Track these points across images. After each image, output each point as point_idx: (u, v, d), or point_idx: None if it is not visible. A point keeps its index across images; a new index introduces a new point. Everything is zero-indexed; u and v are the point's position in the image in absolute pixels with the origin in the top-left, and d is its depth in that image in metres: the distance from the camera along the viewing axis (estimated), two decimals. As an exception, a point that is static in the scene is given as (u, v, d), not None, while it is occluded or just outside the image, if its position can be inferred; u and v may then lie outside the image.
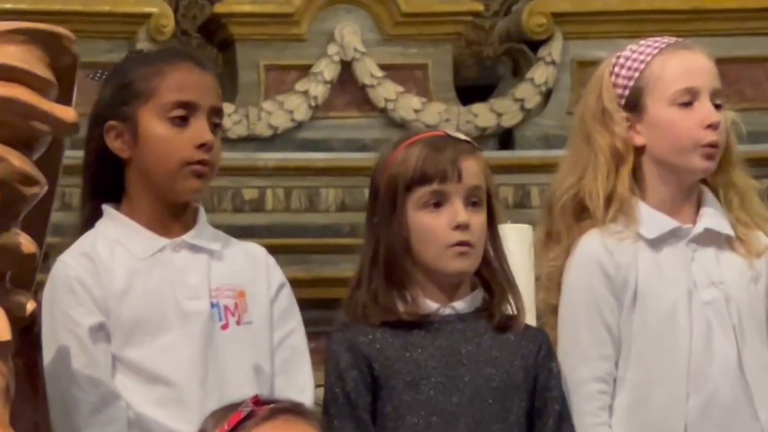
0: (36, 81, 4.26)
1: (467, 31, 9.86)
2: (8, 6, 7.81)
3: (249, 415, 3.51)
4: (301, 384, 4.54)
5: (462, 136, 5.07)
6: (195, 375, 4.52)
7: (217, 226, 4.87)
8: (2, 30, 4.35)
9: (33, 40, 4.37)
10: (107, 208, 4.62)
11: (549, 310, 4.96)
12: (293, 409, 3.62)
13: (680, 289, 4.71)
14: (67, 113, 4.21)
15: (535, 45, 9.62)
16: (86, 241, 4.65)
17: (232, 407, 3.64)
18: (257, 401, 3.62)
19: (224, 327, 4.55)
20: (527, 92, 9.29)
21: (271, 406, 3.65)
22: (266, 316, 4.65)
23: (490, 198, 4.69)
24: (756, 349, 4.77)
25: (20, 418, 4.27)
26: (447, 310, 4.56)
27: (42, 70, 4.24)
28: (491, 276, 4.68)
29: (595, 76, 5.00)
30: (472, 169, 4.63)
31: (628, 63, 4.90)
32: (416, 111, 8.94)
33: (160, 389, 4.50)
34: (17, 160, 4.11)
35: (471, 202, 4.57)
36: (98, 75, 4.88)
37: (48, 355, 4.56)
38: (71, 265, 4.57)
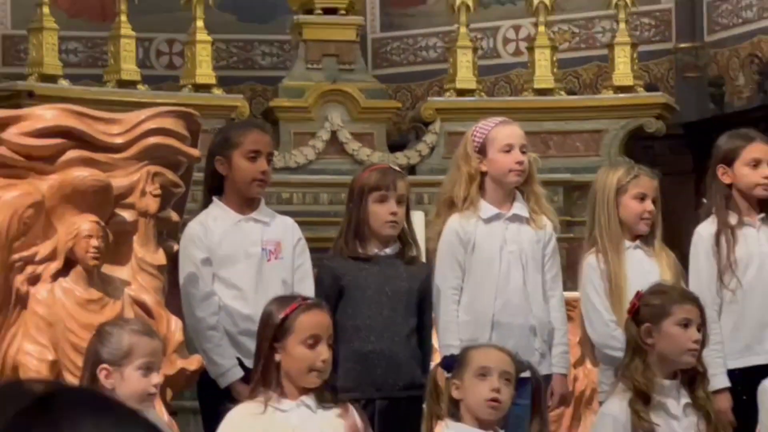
0: (181, 137, 6.43)
1: (393, 117, 12.80)
2: (161, 101, 9.75)
3: (299, 305, 5.23)
4: (307, 291, 6.26)
5: (396, 168, 7.27)
6: (252, 284, 6.54)
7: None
8: (164, 111, 6.62)
9: (179, 116, 6.58)
10: (215, 199, 6.72)
11: (433, 252, 6.78)
12: (318, 304, 5.43)
13: (496, 245, 6.53)
14: (195, 152, 6.58)
15: (427, 124, 12.40)
16: (201, 215, 6.77)
17: (290, 299, 5.52)
18: (304, 298, 5.45)
19: (268, 260, 6.59)
20: (422, 147, 12.11)
21: (308, 301, 5.45)
22: (290, 256, 6.67)
23: (407, 199, 6.64)
24: (532, 277, 6.48)
25: (171, 302, 6.38)
26: (382, 253, 6.50)
27: (183, 131, 6.51)
28: (404, 236, 6.58)
29: (465, 136, 6.88)
30: (400, 184, 6.54)
31: (480, 131, 6.68)
32: (368, 156, 11.36)
33: (234, 291, 6.57)
34: (170, 175, 6.34)
35: (398, 201, 6.46)
36: (216, 131, 7.20)
37: (182, 273, 6.64)
38: (194, 227, 6.71)
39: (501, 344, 5.63)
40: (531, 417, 5.09)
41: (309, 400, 4.83)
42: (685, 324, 5.10)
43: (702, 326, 5.19)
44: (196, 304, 6.43)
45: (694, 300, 5.28)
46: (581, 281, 6.40)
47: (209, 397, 6.30)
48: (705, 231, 6.33)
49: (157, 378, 4.78)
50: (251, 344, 5.64)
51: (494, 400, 4.85)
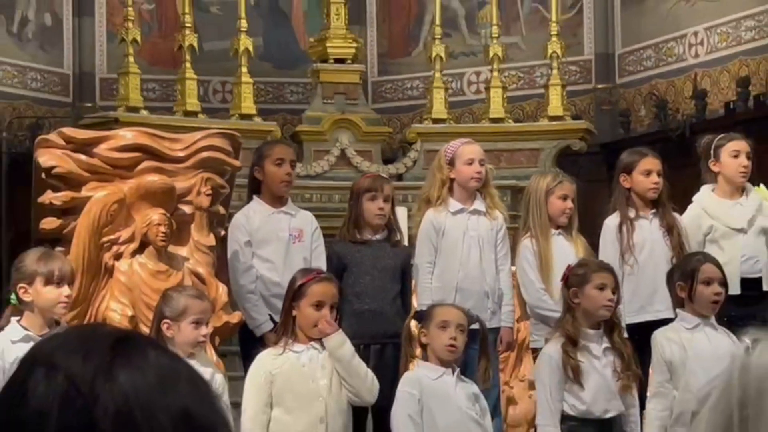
0: (227, 151, 6.46)
1: (386, 139, 12.68)
2: (215, 126, 9.62)
3: (314, 277, 5.29)
4: (321, 266, 6.26)
5: (385, 175, 7.47)
6: (281, 260, 6.49)
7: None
8: (214, 132, 6.73)
9: (225, 136, 6.66)
10: (255, 197, 6.70)
11: (414, 236, 6.74)
12: (328, 278, 5.46)
13: (460, 231, 6.43)
14: (236, 163, 6.63)
15: (411, 144, 12.23)
16: (245, 209, 6.77)
17: (309, 272, 5.58)
18: (319, 272, 5.53)
19: (293, 243, 6.54)
20: (407, 161, 11.89)
21: (322, 275, 5.48)
22: (309, 240, 6.60)
23: (392, 198, 6.56)
24: (487, 255, 6.40)
25: (219, 273, 6.40)
26: (374, 238, 6.43)
27: (229, 148, 6.54)
28: (390, 225, 6.50)
29: (439, 153, 6.84)
30: (386, 187, 6.51)
31: (450, 149, 6.64)
32: (367, 167, 11.07)
33: (268, 264, 6.52)
34: (218, 179, 6.38)
35: (384, 200, 6.40)
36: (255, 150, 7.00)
37: (229, 251, 6.61)
38: (239, 218, 6.68)
39: (462, 305, 5.63)
40: (479, 358, 5.07)
41: (316, 344, 4.82)
42: (601, 287, 5.09)
43: (616, 289, 5.20)
44: (239, 274, 6.47)
45: (609, 269, 5.28)
46: (518, 259, 6.36)
47: (247, 343, 6.31)
48: (611, 222, 6.30)
49: (205, 330, 4.74)
50: (279, 304, 5.63)
51: (452, 345, 4.84)
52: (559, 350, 5.18)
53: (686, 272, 5.45)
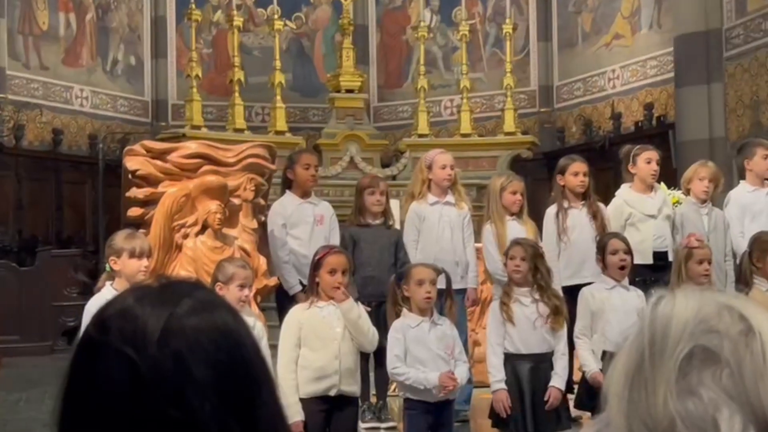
0: (266, 158, 6.45)
1: (384, 149, 12.58)
2: (257, 139, 9.11)
3: (330, 251, 5.02)
4: (336, 243, 6.03)
5: (381, 176, 7.42)
6: (307, 238, 6.30)
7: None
8: (256, 144, 6.62)
9: (264, 147, 6.60)
10: (287, 191, 6.54)
11: (403, 222, 6.52)
12: (340, 251, 5.13)
13: (436, 217, 6.31)
14: (273, 167, 6.60)
15: (402, 153, 12.14)
16: (281, 199, 6.57)
17: (326, 248, 5.20)
18: (332, 247, 5.23)
19: (317, 226, 6.39)
20: (400, 166, 11.73)
21: (334, 249, 5.19)
22: (328, 223, 6.46)
23: (387, 193, 6.37)
24: (457, 235, 6.30)
25: (261, 248, 6.35)
26: (374, 223, 6.25)
27: (267, 155, 6.53)
28: (386, 213, 6.31)
29: (421, 159, 6.64)
30: (382, 185, 6.36)
31: (429, 156, 6.50)
32: (370, 170, 10.95)
33: (298, 241, 6.33)
34: (260, 179, 6.36)
35: (381, 194, 6.24)
36: (287, 156, 6.84)
37: (269, 231, 6.42)
38: (276, 206, 6.52)
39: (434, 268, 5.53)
40: (444, 298, 4.94)
41: (334, 302, 4.77)
42: (512, 257, 5.00)
43: (525, 257, 5.01)
44: (277, 249, 6.36)
45: (520, 244, 5.12)
46: (483, 238, 6.25)
47: (282, 300, 6.23)
48: (550, 211, 6.24)
49: (248, 291, 4.66)
50: (307, 271, 5.42)
51: (428, 297, 4.74)
52: (498, 302, 5.12)
53: (600, 247, 5.38)
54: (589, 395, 4.87)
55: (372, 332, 4.82)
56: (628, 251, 5.29)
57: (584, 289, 5.36)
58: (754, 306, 1.07)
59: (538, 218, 6.42)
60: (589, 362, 5.03)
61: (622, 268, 5.22)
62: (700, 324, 1.03)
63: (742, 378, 1.00)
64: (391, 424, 5.87)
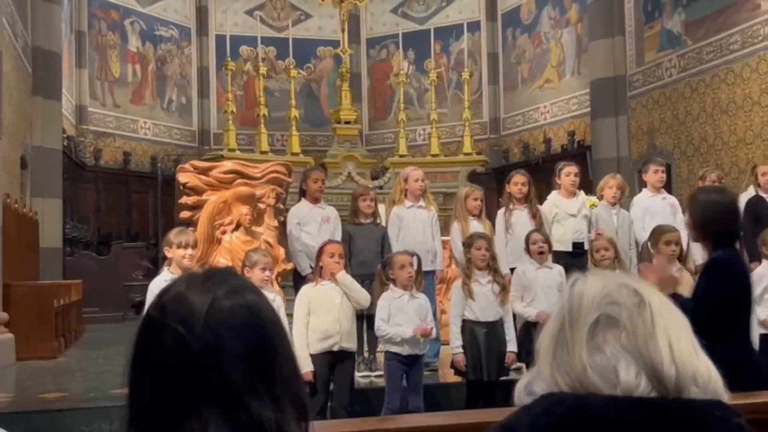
0: (284, 173, 6.30)
1: (374, 166, 12.09)
2: (278, 159, 8.78)
3: (330, 241, 4.98)
4: (338, 237, 5.81)
5: (371, 186, 7.31)
6: (316, 234, 5.98)
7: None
8: (277, 163, 6.38)
9: (284, 165, 6.42)
10: (302, 199, 6.20)
11: (387, 223, 6.21)
12: (338, 241, 5.11)
13: (412, 218, 6.07)
14: (290, 180, 6.41)
15: (387, 169, 11.60)
16: (296, 205, 6.26)
17: (329, 240, 5.04)
18: (333, 240, 5.13)
19: (324, 224, 6.11)
20: (386, 179, 11.22)
21: (334, 240, 5.17)
22: (333, 223, 6.16)
23: (376, 199, 6.12)
24: (429, 231, 6.08)
25: (281, 241, 6.17)
26: (365, 221, 5.98)
27: (286, 171, 6.38)
28: (375, 215, 6.04)
29: (399, 174, 6.39)
30: (371, 193, 6.14)
31: (405, 172, 6.28)
32: (363, 182, 10.59)
33: (310, 236, 5.99)
34: (279, 189, 6.24)
35: (371, 200, 5.99)
36: (302, 173, 6.50)
37: (288, 228, 6.14)
38: (293, 210, 6.23)
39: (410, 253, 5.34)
40: (416, 276, 4.78)
41: (333, 282, 4.72)
42: (478, 248, 4.89)
43: (489, 248, 4.92)
44: (293, 242, 6.12)
45: (483, 237, 5.03)
46: (451, 234, 6.11)
47: (297, 280, 6.05)
48: (500, 212, 6.15)
49: (269, 273, 4.59)
50: None
51: (410, 276, 4.68)
52: (461, 281, 4.98)
53: (525, 240, 5.32)
54: (526, 351, 4.84)
55: (365, 293, 4.74)
56: (546, 241, 5.23)
57: (517, 268, 5.30)
58: (646, 284, 1.10)
59: (490, 218, 6.33)
60: (527, 311, 4.98)
61: (541, 253, 5.17)
62: (604, 298, 1.06)
63: (635, 338, 1.03)
64: (379, 372, 5.69)
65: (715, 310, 2.82)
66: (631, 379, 1.00)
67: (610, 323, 1.05)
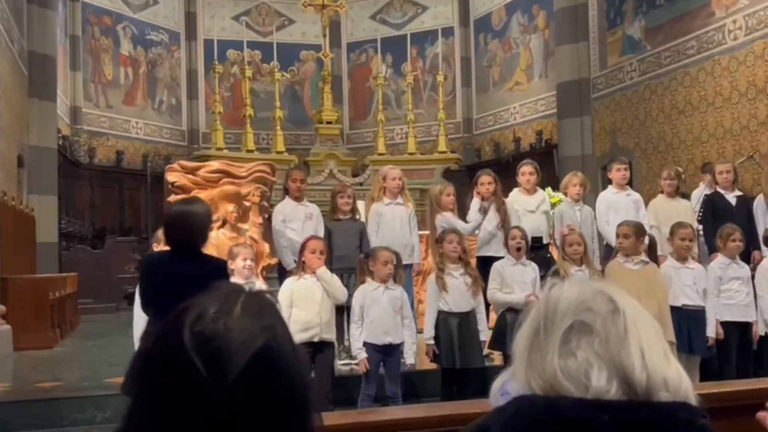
0: (269, 172, 6.18)
1: (354, 164, 12.13)
2: (263, 158, 8.73)
3: (311, 238, 4.80)
4: (320, 233, 5.60)
5: (349, 183, 7.08)
6: (300, 230, 5.78)
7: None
8: (262, 162, 6.25)
9: (267, 164, 6.30)
10: (286, 197, 6.02)
11: (367, 219, 6.05)
12: (319, 237, 4.91)
13: (390, 214, 5.93)
14: (274, 179, 6.26)
15: (367, 167, 11.74)
16: (281, 203, 6.05)
17: (310, 236, 4.88)
18: (314, 236, 4.91)
19: (307, 221, 5.90)
20: (365, 176, 11.36)
21: (315, 236, 4.94)
22: (315, 220, 5.94)
23: (354, 196, 6.02)
24: (406, 226, 5.92)
25: (266, 237, 6.04)
26: (344, 218, 5.87)
27: (270, 170, 6.25)
28: (353, 211, 5.90)
29: (378, 172, 6.25)
30: (349, 190, 5.98)
31: (384, 170, 6.04)
32: (344, 179, 10.63)
33: (294, 232, 5.81)
34: (264, 188, 6.13)
35: (349, 197, 5.88)
36: (285, 172, 6.56)
37: (273, 225, 5.94)
38: (278, 207, 6.01)
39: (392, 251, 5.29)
40: (395, 270, 4.71)
41: (314, 276, 4.69)
42: (450, 242, 4.86)
43: (460, 243, 4.88)
44: (278, 237, 5.95)
45: (455, 232, 4.99)
46: (430, 228, 6.01)
47: (282, 273, 5.94)
48: (472, 206, 6.11)
49: (250, 262, 4.51)
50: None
51: (389, 272, 4.65)
52: (434, 275, 4.92)
53: (504, 234, 5.33)
54: (499, 340, 4.82)
55: (342, 289, 4.72)
56: (524, 237, 5.22)
57: (496, 263, 5.27)
58: (621, 292, 1.07)
59: (463, 213, 6.27)
60: (509, 298, 4.94)
61: (518, 249, 5.16)
62: (580, 304, 1.03)
63: (608, 344, 1.00)
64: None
65: None
66: (602, 384, 0.98)
67: (584, 329, 1.02)
